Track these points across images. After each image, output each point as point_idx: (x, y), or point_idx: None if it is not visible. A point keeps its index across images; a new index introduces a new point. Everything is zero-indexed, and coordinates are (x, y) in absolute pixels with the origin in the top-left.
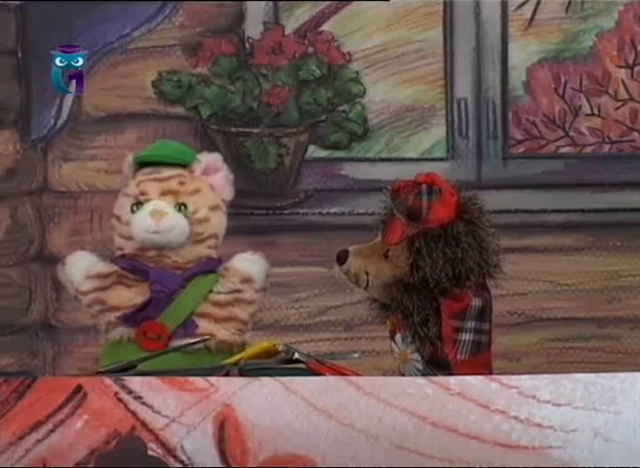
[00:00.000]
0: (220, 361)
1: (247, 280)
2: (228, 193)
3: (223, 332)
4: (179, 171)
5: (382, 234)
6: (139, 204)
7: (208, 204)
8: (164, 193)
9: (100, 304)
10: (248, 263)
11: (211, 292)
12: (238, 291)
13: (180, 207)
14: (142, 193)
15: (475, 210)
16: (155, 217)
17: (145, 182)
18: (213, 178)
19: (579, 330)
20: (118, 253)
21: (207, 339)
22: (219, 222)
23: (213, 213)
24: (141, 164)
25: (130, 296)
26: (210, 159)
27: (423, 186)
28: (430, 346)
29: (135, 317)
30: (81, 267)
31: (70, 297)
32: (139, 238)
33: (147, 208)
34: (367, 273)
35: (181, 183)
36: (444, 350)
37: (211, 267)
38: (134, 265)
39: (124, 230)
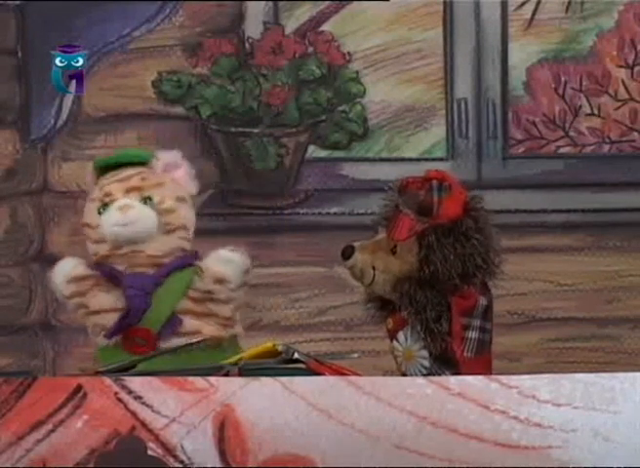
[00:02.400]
0: (210, 357)
1: (219, 280)
2: (192, 187)
3: (208, 328)
4: (139, 169)
5: (388, 230)
6: (105, 205)
7: (173, 195)
8: (128, 191)
9: (84, 308)
10: (221, 263)
11: (188, 287)
12: (210, 292)
13: (146, 200)
14: (107, 195)
15: (480, 208)
16: (122, 211)
17: (109, 185)
18: (175, 174)
19: (579, 330)
20: (93, 259)
21: (207, 339)
22: (186, 214)
23: (179, 204)
24: (103, 170)
25: (110, 300)
26: (169, 156)
27: (434, 182)
28: (442, 342)
29: (119, 329)
30: (62, 272)
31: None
32: (109, 235)
33: (114, 206)
34: (374, 268)
35: (144, 179)
36: (452, 347)
37: (186, 262)
38: (108, 272)
39: (95, 234)
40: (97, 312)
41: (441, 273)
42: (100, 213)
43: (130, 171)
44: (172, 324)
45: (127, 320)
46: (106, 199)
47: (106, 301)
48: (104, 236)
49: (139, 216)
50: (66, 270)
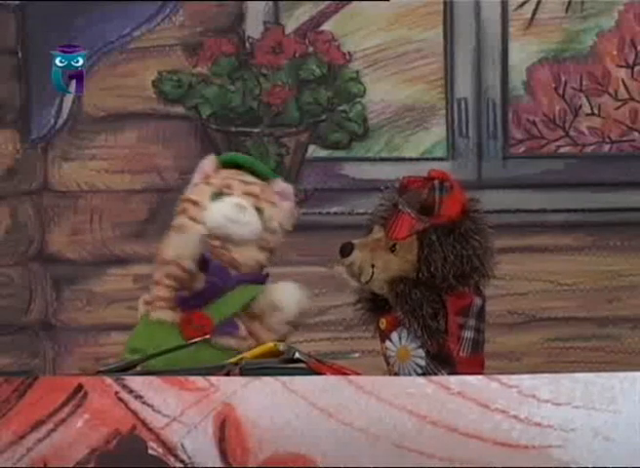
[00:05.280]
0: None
1: (273, 307)
2: (290, 224)
3: (250, 343)
4: (260, 181)
5: (387, 229)
6: (220, 194)
7: (279, 219)
8: (247, 194)
9: (177, 283)
10: (282, 292)
11: (251, 300)
12: (262, 311)
13: (259, 210)
14: (227, 186)
15: (479, 210)
16: (238, 208)
17: (231, 179)
18: (285, 203)
19: (579, 329)
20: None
21: (206, 339)
22: (279, 241)
23: (280, 229)
24: (224, 164)
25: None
26: (285, 185)
27: (436, 181)
28: (440, 340)
29: (188, 302)
30: (194, 246)
31: (70, 297)
32: (215, 223)
33: (230, 200)
34: (373, 266)
35: (263, 191)
36: (449, 346)
37: (261, 279)
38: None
39: (199, 214)
40: (186, 289)
41: (439, 273)
42: (213, 198)
43: (253, 178)
44: (230, 324)
45: (198, 299)
46: (225, 189)
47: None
48: (205, 220)
49: (249, 221)
50: (196, 244)
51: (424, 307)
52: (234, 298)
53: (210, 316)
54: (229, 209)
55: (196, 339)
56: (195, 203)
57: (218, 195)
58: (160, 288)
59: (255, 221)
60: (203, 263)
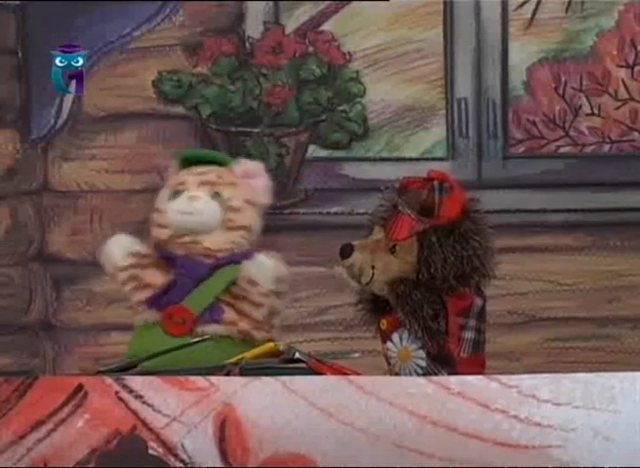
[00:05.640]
0: (242, 351)
1: (250, 282)
2: (267, 199)
3: (243, 324)
4: (219, 169)
5: (387, 230)
6: (176, 193)
7: (244, 196)
8: (202, 184)
9: (135, 281)
10: (254, 265)
11: (233, 282)
12: (244, 290)
13: (216, 195)
14: (181, 183)
15: (479, 210)
16: (190, 200)
17: (185, 176)
18: (253, 181)
19: (579, 329)
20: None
21: (206, 339)
22: (252, 217)
23: (247, 206)
24: (185, 163)
25: (164, 279)
26: (250, 164)
27: (436, 182)
28: (440, 341)
29: (159, 300)
30: (122, 245)
31: (70, 297)
32: (173, 221)
33: (183, 195)
34: (373, 268)
35: (219, 177)
36: (449, 347)
37: (238, 259)
38: (167, 254)
39: (161, 219)
40: (148, 286)
41: (440, 274)
42: (170, 199)
43: (209, 167)
44: (214, 311)
45: (170, 294)
46: (179, 187)
47: (160, 279)
48: (169, 222)
49: (204, 208)
50: (126, 244)
51: (425, 308)
52: (211, 285)
53: (189, 307)
54: (182, 203)
55: (197, 339)
56: (157, 210)
57: (174, 195)
58: (128, 295)
59: (210, 207)
60: (169, 261)
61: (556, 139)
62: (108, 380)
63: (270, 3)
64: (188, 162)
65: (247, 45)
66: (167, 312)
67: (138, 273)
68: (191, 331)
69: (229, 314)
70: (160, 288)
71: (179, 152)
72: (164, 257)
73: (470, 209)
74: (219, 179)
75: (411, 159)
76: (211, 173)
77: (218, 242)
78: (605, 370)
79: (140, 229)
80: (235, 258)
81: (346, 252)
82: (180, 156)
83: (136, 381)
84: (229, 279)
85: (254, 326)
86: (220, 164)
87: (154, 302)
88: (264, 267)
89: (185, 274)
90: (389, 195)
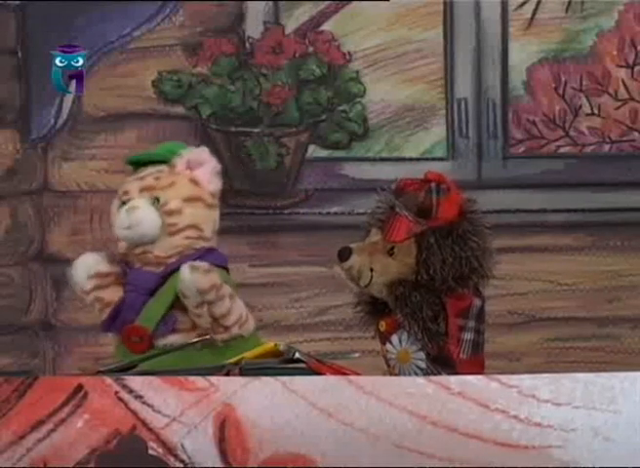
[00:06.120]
0: (211, 356)
1: (182, 294)
2: (215, 185)
3: (199, 331)
4: (159, 168)
5: (384, 231)
6: (123, 204)
7: (181, 195)
8: (142, 190)
9: (99, 302)
10: (179, 280)
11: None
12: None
13: (154, 201)
14: (125, 193)
15: (476, 211)
16: (128, 213)
17: (128, 183)
18: (196, 172)
19: (579, 329)
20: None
21: (207, 339)
22: (194, 213)
23: (187, 204)
24: (136, 165)
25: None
26: (193, 153)
27: (433, 184)
28: (440, 342)
29: (113, 322)
30: (84, 268)
31: (70, 297)
32: (120, 236)
33: (124, 208)
34: (371, 270)
35: (157, 179)
36: (449, 348)
37: (187, 261)
38: (123, 269)
39: (115, 232)
40: (111, 304)
41: (438, 275)
42: (118, 211)
43: (150, 169)
44: (167, 321)
45: (123, 314)
46: (124, 197)
47: (119, 297)
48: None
49: (142, 219)
50: (89, 265)
51: (424, 310)
52: (161, 297)
53: (142, 324)
54: (122, 217)
55: (198, 339)
56: (112, 223)
57: (121, 205)
58: (98, 316)
59: (148, 216)
60: (124, 275)
61: (556, 139)
62: (108, 380)
63: (270, 3)
64: (136, 165)
65: (247, 45)
66: (124, 333)
67: (100, 294)
68: (151, 347)
69: (184, 321)
70: (113, 308)
71: (127, 158)
72: (122, 273)
73: (468, 209)
74: (157, 182)
75: (411, 159)
76: (149, 176)
77: (165, 248)
78: (605, 370)
79: None
80: (184, 261)
81: (344, 254)
82: (126, 161)
83: (135, 381)
84: (174, 289)
85: (207, 331)
86: (163, 161)
87: (110, 325)
88: (186, 283)
89: (133, 289)
90: (386, 197)
